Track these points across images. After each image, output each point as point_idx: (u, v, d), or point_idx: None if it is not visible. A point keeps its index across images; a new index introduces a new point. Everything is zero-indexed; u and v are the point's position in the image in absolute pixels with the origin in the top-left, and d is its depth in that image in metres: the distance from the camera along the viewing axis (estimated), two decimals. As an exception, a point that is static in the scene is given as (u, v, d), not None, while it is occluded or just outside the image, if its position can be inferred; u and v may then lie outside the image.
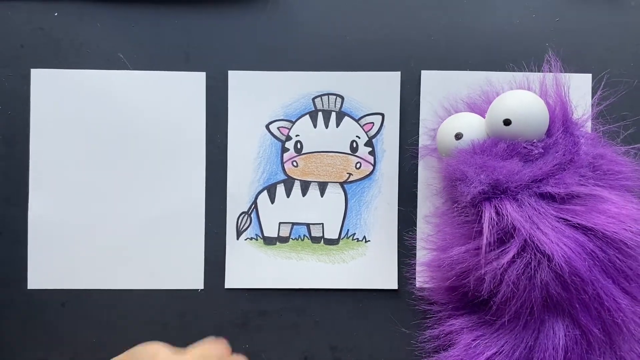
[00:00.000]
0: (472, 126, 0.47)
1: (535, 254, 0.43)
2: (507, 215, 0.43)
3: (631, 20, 0.52)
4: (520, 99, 0.45)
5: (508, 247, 0.43)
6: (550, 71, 0.48)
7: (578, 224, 0.43)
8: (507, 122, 0.45)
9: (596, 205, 0.44)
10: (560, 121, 0.46)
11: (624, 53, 0.52)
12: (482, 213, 0.44)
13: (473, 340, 0.47)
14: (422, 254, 0.51)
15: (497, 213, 0.43)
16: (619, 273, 0.44)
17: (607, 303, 0.43)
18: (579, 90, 0.50)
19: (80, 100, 0.52)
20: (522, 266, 0.43)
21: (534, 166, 0.44)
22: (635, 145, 0.49)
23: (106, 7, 0.52)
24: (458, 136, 0.46)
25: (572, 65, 0.51)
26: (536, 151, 0.45)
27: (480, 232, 0.44)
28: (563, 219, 0.43)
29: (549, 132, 0.46)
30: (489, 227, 0.43)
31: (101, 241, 0.52)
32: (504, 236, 0.44)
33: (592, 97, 0.51)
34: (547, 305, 0.44)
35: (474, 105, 0.50)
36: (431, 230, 0.51)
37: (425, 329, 0.51)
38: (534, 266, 0.43)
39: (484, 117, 0.48)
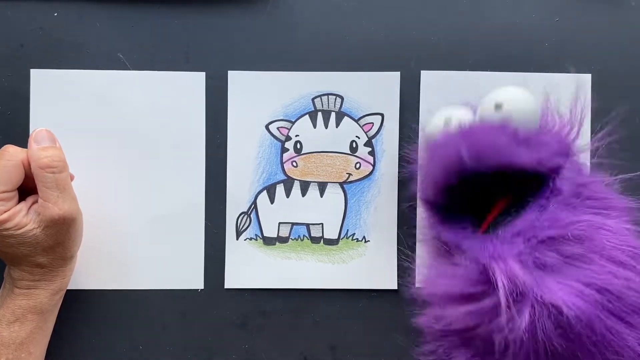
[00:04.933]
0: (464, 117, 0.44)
1: (542, 309, 0.39)
2: (514, 282, 0.39)
3: (631, 20, 0.52)
4: (512, 88, 0.43)
5: (520, 311, 0.40)
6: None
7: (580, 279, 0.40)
8: (498, 106, 0.43)
9: (594, 236, 0.41)
10: (555, 140, 0.43)
11: (624, 53, 0.52)
12: (489, 275, 0.41)
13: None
14: (422, 255, 0.51)
15: (508, 276, 0.40)
16: (622, 306, 0.40)
17: (614, 343, 0.40)
18: (579, 91, 0.50)
19: (80, 100, 0.52)
20: (530, 324, 0.40)
21: (526, 151, 0.41)
22: (622, 176, 0.45)
23: (106, 7, 0.52)
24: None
25: (572, 65, 0.51)
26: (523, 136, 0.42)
27: (482, 293, 0.41)
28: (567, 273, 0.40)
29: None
30: (505, 297, 0.39)
31: (100, 241, 0.52)
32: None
33: (592, 97, 0.51)
34: (547, 355, 0.41)
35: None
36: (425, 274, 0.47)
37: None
38: (543, 322, 0.40)
39: None
